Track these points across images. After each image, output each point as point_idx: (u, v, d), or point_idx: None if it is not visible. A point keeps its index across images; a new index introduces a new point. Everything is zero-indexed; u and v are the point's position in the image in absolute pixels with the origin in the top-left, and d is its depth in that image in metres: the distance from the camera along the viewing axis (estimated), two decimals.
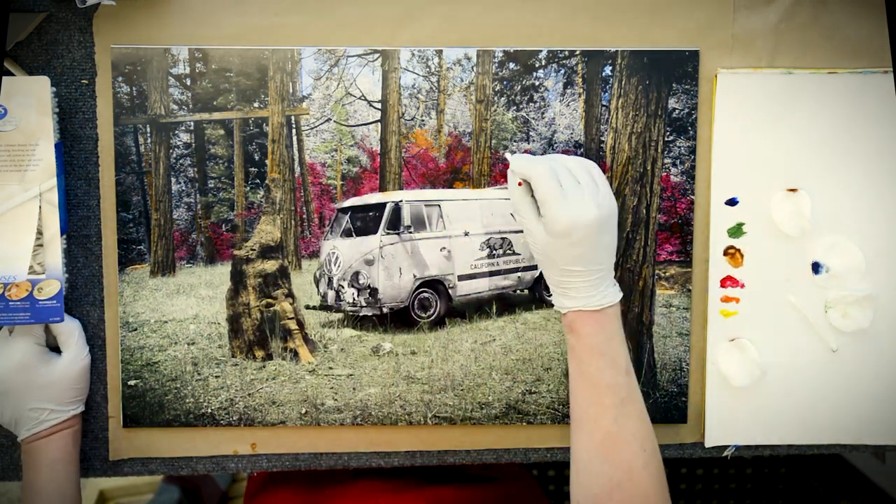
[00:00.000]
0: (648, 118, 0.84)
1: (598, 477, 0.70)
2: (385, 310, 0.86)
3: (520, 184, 0.74)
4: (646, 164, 0.85)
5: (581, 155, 0.85)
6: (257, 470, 0.87)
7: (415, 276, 0.86)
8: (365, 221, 0.85)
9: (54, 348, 0.82)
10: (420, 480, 0.96)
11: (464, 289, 0.87)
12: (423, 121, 0.84)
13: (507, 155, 0.77)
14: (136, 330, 0.84)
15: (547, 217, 0.71)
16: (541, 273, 0.88)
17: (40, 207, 0.77)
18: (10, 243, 0.77)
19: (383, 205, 0.85)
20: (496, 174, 0.85)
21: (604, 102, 0.84)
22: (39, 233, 0.77)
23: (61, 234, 0.79)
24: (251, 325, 0.85)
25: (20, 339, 0.79)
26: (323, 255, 0.86)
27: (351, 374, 0.85)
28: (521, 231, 0.87)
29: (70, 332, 0.81)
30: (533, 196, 0.73)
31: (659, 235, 0.85)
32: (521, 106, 0.84)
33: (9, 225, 0.77)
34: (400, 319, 0.86)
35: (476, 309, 0.87)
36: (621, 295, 0.74)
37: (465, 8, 0.82)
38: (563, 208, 0.70)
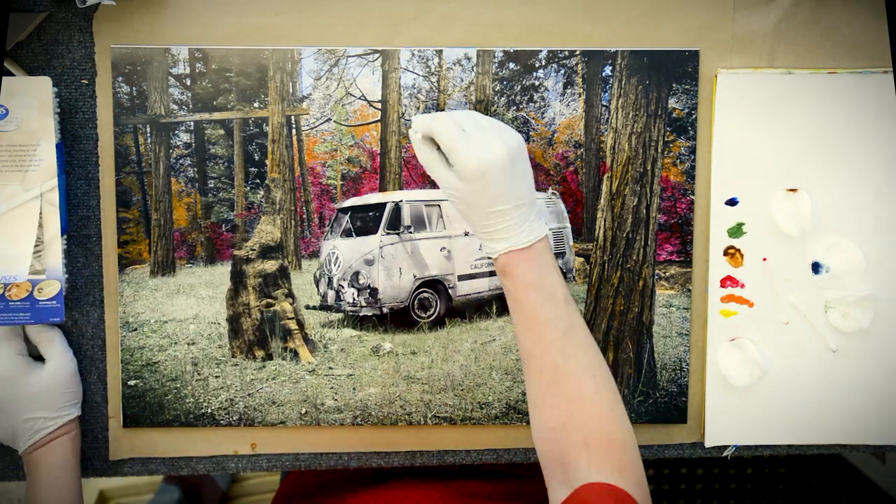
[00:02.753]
0: (648, 118, 0.84)
1: (551, 409, 0.70)
2: (385, 310, 0.86)
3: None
4: (646, 164, 0.85)
5: (581, 156, 0.85)
6: (257, 470, 0.87)
7: (415, 276, 0.86)
8: (365, 221, 0.85)
9: (38, 357, 0.82)
10: (439, 476, 0.95)
11: (464, 289, 0.87)
12: None
13: (412, 120, 0.76)
14: (136, 330, 0.84)
15: (457, 163, 0.69)
16: None
17: (41, 208, 0.77)
18: (11, 243, 0.76)
19: (383, 205, 0.85)
20: None
21: (604, 102, 0.84)
22: (40, 233, 0.77)
23: (62, 235, 0.79)
24: (251, 325, 0.85)
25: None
26: (323, 255, 0.86)
27: (351, 374, 0.85)
28: None
29: (50, 339, 0.81)
30: (440, 150, 0.72)
31: (659, 235, 0.85)
32: (521, 106, 0.84)
33: (9, 225, 0.77)
34: (400, 319, 0.86)
35: (476, 309, 0.87)
36: (547, 228, 0.73)
37: (465, 8, 0.82)
38: (470, 151, 0.69)
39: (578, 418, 0.69)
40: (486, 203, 0.70)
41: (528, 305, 0.71)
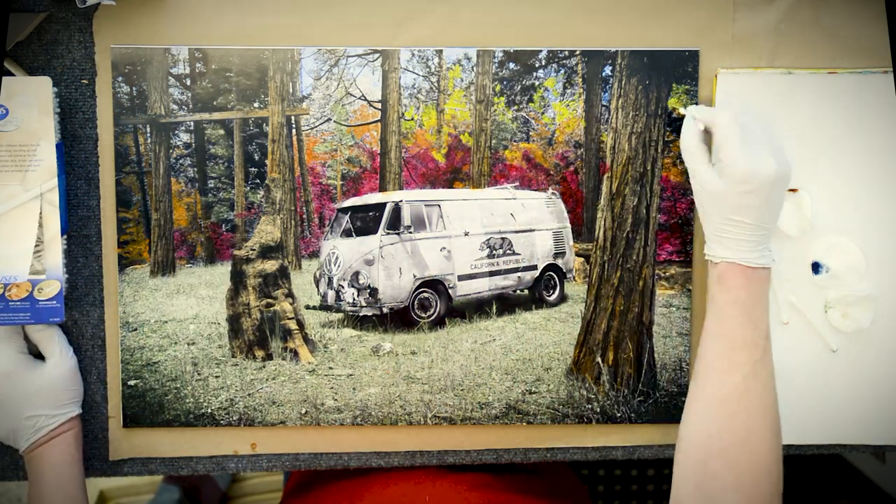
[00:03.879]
0: (648, 118, 0.84)
1: (713, 431, 0.68)
2: (385, 310, 0.86)
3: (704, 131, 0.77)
4: (646, 164, 0.85)
5: (581, 156, 0.85)
6: (257, 470, 0.87)
7: (415, 276, 0.86)
8: (365, 221, 0.85)
9: (38, 356, 0.81)
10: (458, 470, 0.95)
11: (464, 289, 0.87)
12: (422, 121, 0.84)
13: (681, 109, 0.81)
14: (136, 330, 0.84)
15: (725, 161, 0.71)
16: (541, 273, 0.88)
17: (41, 208, 0.77)
18: (11, 243, 0.77)
19: (383, 205, 0.85)
20: (496, 174, 0.85)
21: (604, 102, 0.84)
22: (40, 233, 0.77)
23: (62, 235, 0.79)
24: (251, 325, 0.85)
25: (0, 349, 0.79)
26: (323, 255, 0.86)
27: (351, 374, 0.85)
28: (522, 231, 0.87)
29: (50, 337, 0.81)
30: (706, 144, 0.76)
31: (659, 235, 0.85)
32: (521, 106, 0.84)
33: (10, 225, 0.77)
34: (400, 319, 0.86)
35: (476, 309, 0.87)
36: (775, 262, 0.74)
37: (465, 8, 0.82)
38: (742, 154, 0.71)
39: (736, 452, 0.67)
40: (733, 209, 0.72)
41: (731, 321, 0.71)
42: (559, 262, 0.88)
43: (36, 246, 0.77)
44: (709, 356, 0.72)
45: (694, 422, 0.71)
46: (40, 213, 0.77)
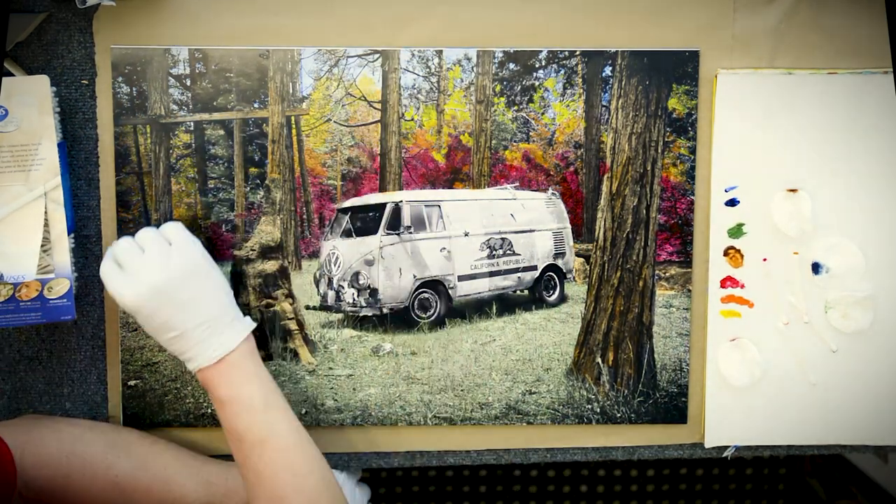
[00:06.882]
0: (648, 118, 0.84)
1: None
2: (385, 310, 0.86)
3: None
4: (646, 164, 0.85)
5: (581, 156, 0.85)
6: None
7: (415, 277, 0.86)
8: (365, 222, 0.85)
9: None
10: None
11: (464, 289, 0.87)
12: (422, 121, 0.84)
13: None
14: (136, 330, 0.84)
15: (116, 300, 0.71)
16: (541, 273, 0.88)
17: (46, 206, 0.77)
18: (19, 243, 0.76)
19: (383, 205, 0.85)
20: (496, 174, 0.85)
21: (604, 102, 0.84)
22: (47, 232, 0.77)
23: (68, 233, 0.79)
24: None
25: None
26: (323, 256, 0.86)
27: (351, 375, 0.85)
28: (522, 231, 0.87)
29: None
30: None
31: (659, 235, 0.85)
32: (521, 106, 0.84)
33: (16, 225, 0.77)
34: (400, 320, 0.86)
35: (476, 309, 0.87)
36: (239, 339, 0.73)
37: (465, 8, 0.82)
38: (121, 286, 0.70)
39: None
40: (160, 330, 0.71)
41: (224, 419, 0.72)
42: (559, 262, 0.88)
43: (43, 245, 0.77)
44: (233, 452, 0.73)
45: None
46: (45, 211, 0.77)
